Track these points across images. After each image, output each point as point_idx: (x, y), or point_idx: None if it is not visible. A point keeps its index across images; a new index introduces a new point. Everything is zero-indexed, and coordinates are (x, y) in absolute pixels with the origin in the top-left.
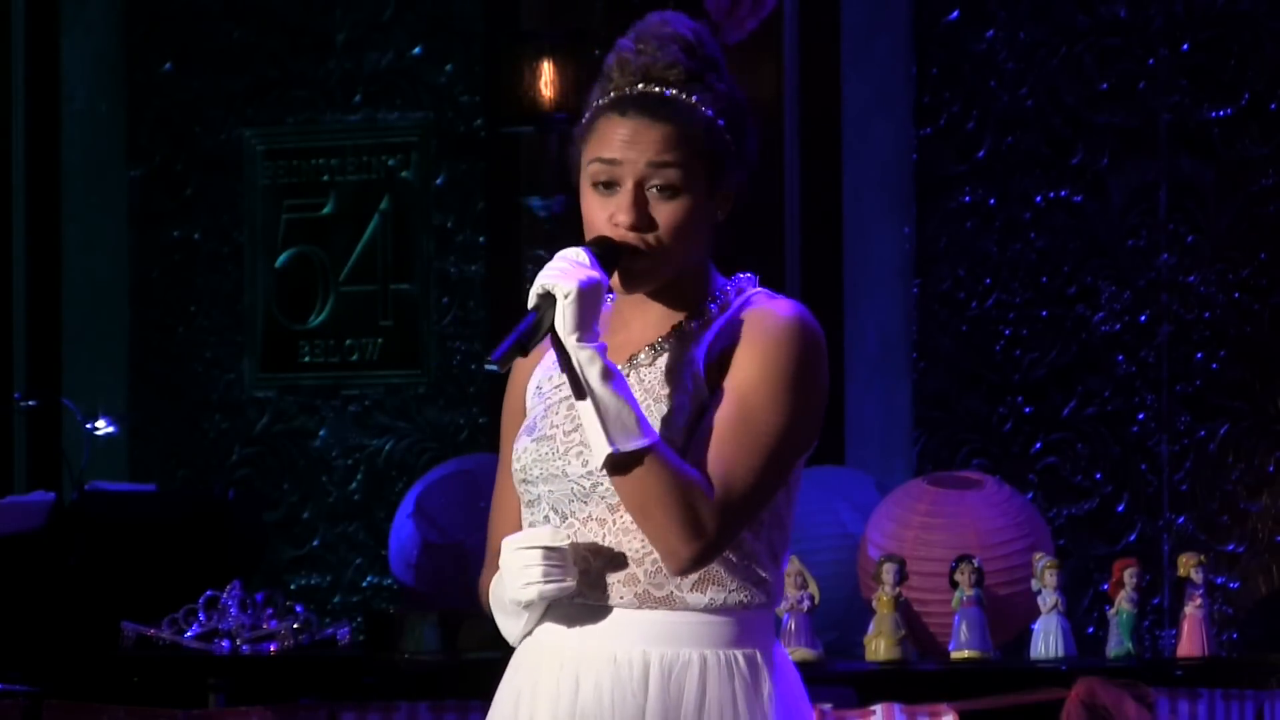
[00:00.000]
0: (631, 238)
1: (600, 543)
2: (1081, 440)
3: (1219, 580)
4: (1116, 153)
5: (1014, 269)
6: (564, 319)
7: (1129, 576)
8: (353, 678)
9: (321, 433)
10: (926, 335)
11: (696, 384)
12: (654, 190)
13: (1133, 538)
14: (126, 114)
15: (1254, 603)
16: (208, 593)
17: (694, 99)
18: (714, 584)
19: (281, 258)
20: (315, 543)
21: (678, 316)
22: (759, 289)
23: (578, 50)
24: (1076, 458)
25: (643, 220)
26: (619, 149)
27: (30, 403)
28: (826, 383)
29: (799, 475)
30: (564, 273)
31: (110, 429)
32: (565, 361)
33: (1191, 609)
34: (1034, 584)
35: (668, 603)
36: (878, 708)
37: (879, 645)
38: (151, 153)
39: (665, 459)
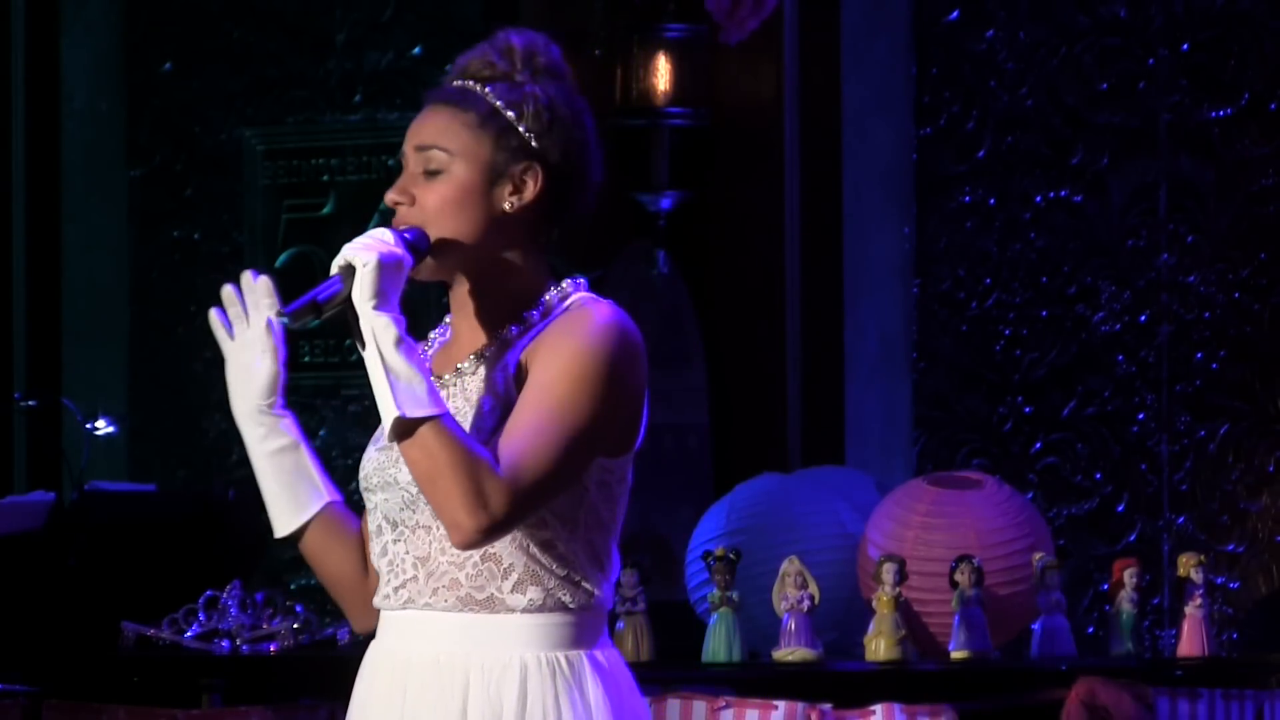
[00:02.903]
0: (401, 214)
1: (426, 549)
2: (1081, 440)
3: (1219, 580)
4: (1116, 153)
5: (1014, 269)
6: (361, 286)
7: (1129, 576)
8: (353, 678)
9: (321, 433)
10: (926, 335)
11: (507, 387)
12: (420, 173)
13: (1133, 538)
14: (126, 114)
15: (1254, 603)
16: (208, 593)
17: (486, 89)
18: (534, 584)
19: (281, 258)
20: None
21: (501, 325)
22: (585, 293)
23: (577, 50)
24: (1076, 458)
25: (403, 196)
26: (406, 137)
27: (30, 403)
28: (638, 388)
29: (623, 478)
30: (367, 246)
31: (110, 429)
32: (360, 329)
33: (1191, 609)
34: (1034, 584)
35: (489, 605)
36: (878, 708)
37: (879, 645)
38: (151, 153)
39: (453, 431)
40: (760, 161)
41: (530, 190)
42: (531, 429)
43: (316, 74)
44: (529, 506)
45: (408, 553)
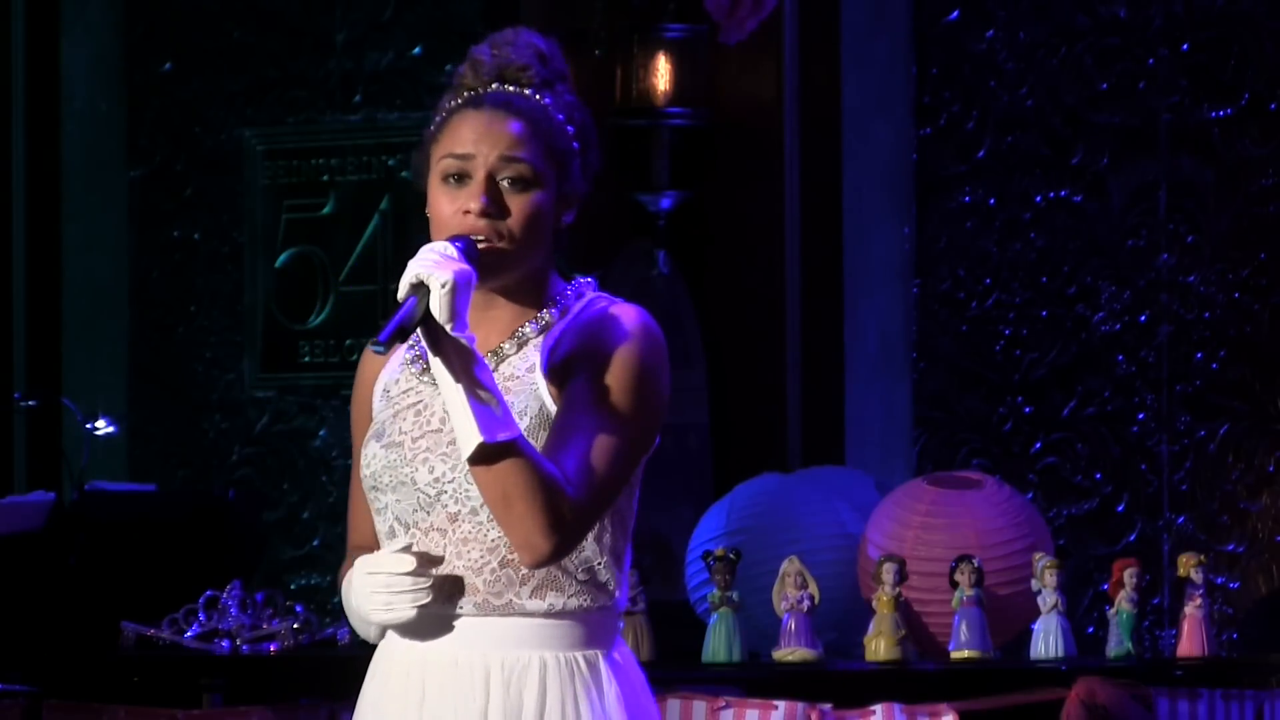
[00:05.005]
0: (482, 226)
1: (441, 553)
2: (1081, 440)
3: (1219, 580)
4: (1116, 153)
5: (1014, 269)
6: (441, 308)
7: (1129, 576)
8: (353, 678)
9: (321, 433)
10: (926, 335)
11: (537, 389)
12: (505, 183)
13: (1133, 538)
14: (126, 114)
15: (1254, 603)
16: (208, 593)
17: (546, 101)
18: (553, 589)
19: (281, 258)
20: (315, 543)
21: (518, 322)
22: (599, 293)
23: (577, 50)
24: (1076, 458)
25: (494, 207)
26: (471, 143)
27: (30, 403)
28: (668, 388)
29: (639, 476)
30: (438, 264)
31: (110, 429)
32: (437, 351)
33: (1191, 609)
34: (1034, 584)
35: (507, 610)
36: (878, 708)
37: (879, 645)
38: (151, 153)
39: (529, 453)
40: (760, 161)
41: (576, 209)
42: (593, 444)
43: (316, 74)
44: (594, 521)
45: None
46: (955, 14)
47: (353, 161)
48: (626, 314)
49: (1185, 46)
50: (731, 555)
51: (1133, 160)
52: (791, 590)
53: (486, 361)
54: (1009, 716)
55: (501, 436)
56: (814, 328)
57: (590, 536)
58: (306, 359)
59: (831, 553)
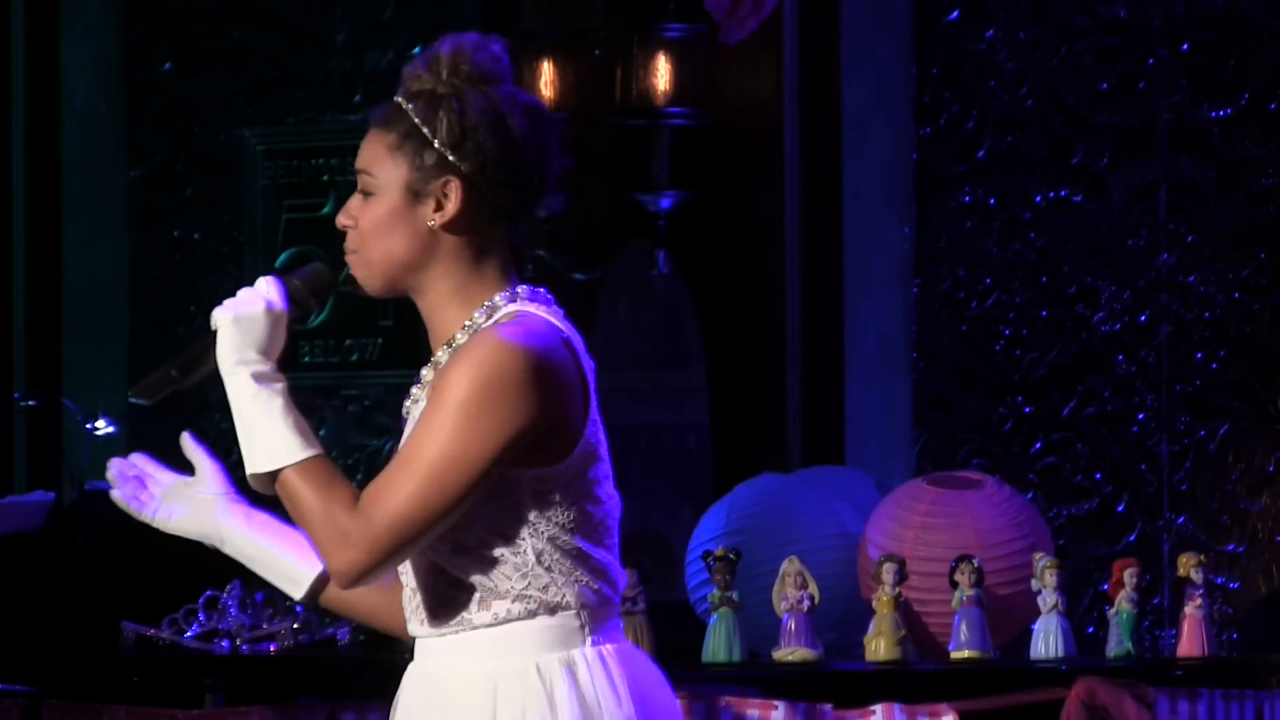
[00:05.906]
0: (349, 235)
1: (413, 581)
2: (1081, 440)
3: (1219, 580)
4: (1116, 153)
5: (1014, 269)
6: (219, 347)
7: (1129, 576)
8: (353, 678)
9: (322, 433)
10: (926, 335)
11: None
12: (360, 195)
13: (1133, 538)
14: (126, 114)
15: (1254, 603)
16: (208, 593)
17: (409, 105)
18: (497, 599)
19: (281, 258)
20: None
21: (438, 349)
22: (512, 307)
23: (577, 50)
24: (1076, 458)
25: (348, 218)
26: None
27: (30, 403)
28: (548, 401)
29: (571, 482)
30: (232, 304)
31: (110, 429)
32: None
33: (1191, 609)
34: (1034, 584)
35: (459, 625)
36: (878, 708)
37: (879, 645)
38: (151, 153)
39: (313, 475)
40: (760, 161)
41: (452, 204)
42: (398, 463)
43: (316, 74)
44: (399, 540)
45: (407, 584)
46: (955, 14)
47: (353, 161)
48: (503, 330)
49: (1185, 46)
50: (731, 555)
51: (1133, 160)
52: (791, 590)
53: (417, 392)
54: (1009, 716)
55: (270, 465)
56: (814, 328)
57: (507, 551)
58: (306, 359)
59: (831, 553)
